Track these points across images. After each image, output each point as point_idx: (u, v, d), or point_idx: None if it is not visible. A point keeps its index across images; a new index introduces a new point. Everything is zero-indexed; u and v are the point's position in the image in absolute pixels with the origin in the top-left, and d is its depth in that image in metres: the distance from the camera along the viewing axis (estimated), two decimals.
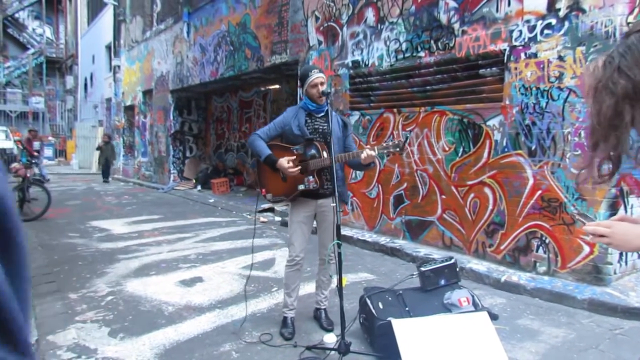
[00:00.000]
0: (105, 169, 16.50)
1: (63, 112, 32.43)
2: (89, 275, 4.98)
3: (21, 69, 31.69)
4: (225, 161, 14.23)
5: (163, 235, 7.10)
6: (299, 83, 8.26)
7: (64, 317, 3.84)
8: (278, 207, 8.61)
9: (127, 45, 17.59)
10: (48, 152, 23.40)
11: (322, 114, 3.44)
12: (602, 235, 1.25)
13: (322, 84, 3.32)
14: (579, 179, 1.24)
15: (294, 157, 3.30)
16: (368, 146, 3.22)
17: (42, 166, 15.66)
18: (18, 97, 31.37)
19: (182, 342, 3.38)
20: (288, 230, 3.55)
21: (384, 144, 3.10)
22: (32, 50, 31.73)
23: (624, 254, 4.52)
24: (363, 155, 3.08)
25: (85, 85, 26.93)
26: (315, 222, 3.55)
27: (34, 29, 33.58)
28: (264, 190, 3.49)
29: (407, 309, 3.32)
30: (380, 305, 3.30)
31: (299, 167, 3.26)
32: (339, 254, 2.93)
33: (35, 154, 11.38)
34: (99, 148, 17.13)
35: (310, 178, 3.28)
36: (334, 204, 3.00)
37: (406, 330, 2.95)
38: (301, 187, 3.30)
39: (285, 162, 3.24)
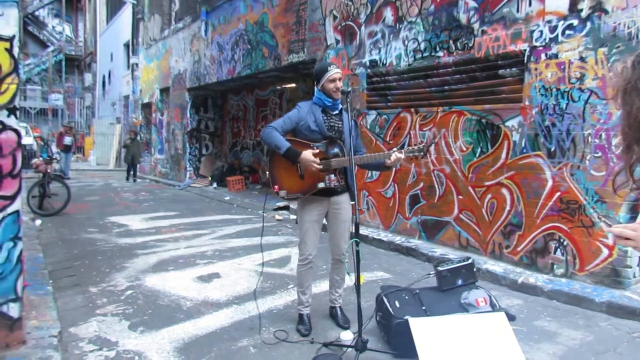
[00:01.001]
0: (131, 167, 15.51)
1: (81, 109, 32.91)
2: (109, 270, 5.07)
3: (41, 67, 32.22)
4: (241, 159, 14.33)
5: (180, 232, 7.19)
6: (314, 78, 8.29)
7: (85, 310, 3.93)
8: (293, 205, 8.65)
9: (145, 43, 17.80)
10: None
11: (337, 111, 3.45)
12: (627, 239, 1.23)
13: (339, 79, 3.33)
14: (615, 185, 1.18)
15: (318, 152, 3.28)
16: (395, 149, 3.20)
17: (70, 162, 15.83)
18: (37, 94, 31.95)
19: (200, 336, 3.43)
20: (299, 228, 3.51)
21: (410, 148, 3.12)
22: (51, 48, 32.23)
23: None
24: (393, 158, 3.11)
25: (104, 82, 27.30)
26: (325, 220, 3.54)
27: (53, 27, 34.14)
28: (277, 187, 3.40)
29: (423, 308, 3.33)
30: (397, 304, 3.31)
31: (322, 162, 3.23)
32: (357, 252, 2.94)
33: (55, 150, 11.56)
34: (125, 146, 15.94)
35: (332, 176, 3.29)
36: (353, 202, 3.02)
37: (423, 329, 2.96)
38: (321, 185, 3.28)
39: (310, 155, 3.18)
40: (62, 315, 3.70)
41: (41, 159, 9.16)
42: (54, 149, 13.10)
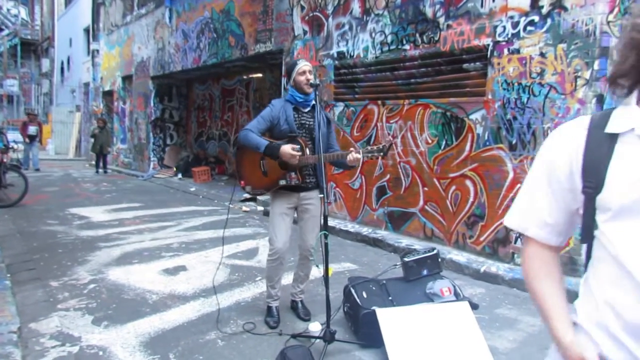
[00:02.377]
0: (99, 158, 14.56)
1: (38, 95, 31.58)
2: (70, 263, 4.93)
3: None
4: (206, 149, 14.11)
5: (144, 224, 7.04)
6: (283, 74, 8.23)
7: (45, 305, 3.80)
8: (260, 197, 8.61)
9: (107, 29, 17.21)
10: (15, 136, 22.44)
11: (309, 108, 3.44)
12: None
13: (309, 72, 3.33)
14: None
15: (298, 146, 3.27)
16: (352, 149, 3.22)
17: (37, 153, 15.08)
18: None
19: (167, 330, 3.39)
20: (269, 222, 3.50)
21: (369, 148, 3.15)
22: (6, 32, 30.67)
23: None
24: (350, 158, 3.12)
25: (62, 68, 26.25)
26: (295, 214, 3.55)
27: (8, 10, 32.44)
28: (243, 182, 3.51)
29: (390, 298, 3.39)
30: (365, 295, 3.36)
31: (300, 154, 3.22)
32: (326, 244, 2.96)
33: (12, 138, 11.05)
34: (93, 135, 14.68)
35: (293, 174, 3.28)
36: (322, 195, 3.03)
37: (390, 319, 3.02)
38: (282, 182, 3.31)
39: (289, 148, 3.17)
40: (22, 310, 3.59)
41: None
42: (10, 137, 12.50)
